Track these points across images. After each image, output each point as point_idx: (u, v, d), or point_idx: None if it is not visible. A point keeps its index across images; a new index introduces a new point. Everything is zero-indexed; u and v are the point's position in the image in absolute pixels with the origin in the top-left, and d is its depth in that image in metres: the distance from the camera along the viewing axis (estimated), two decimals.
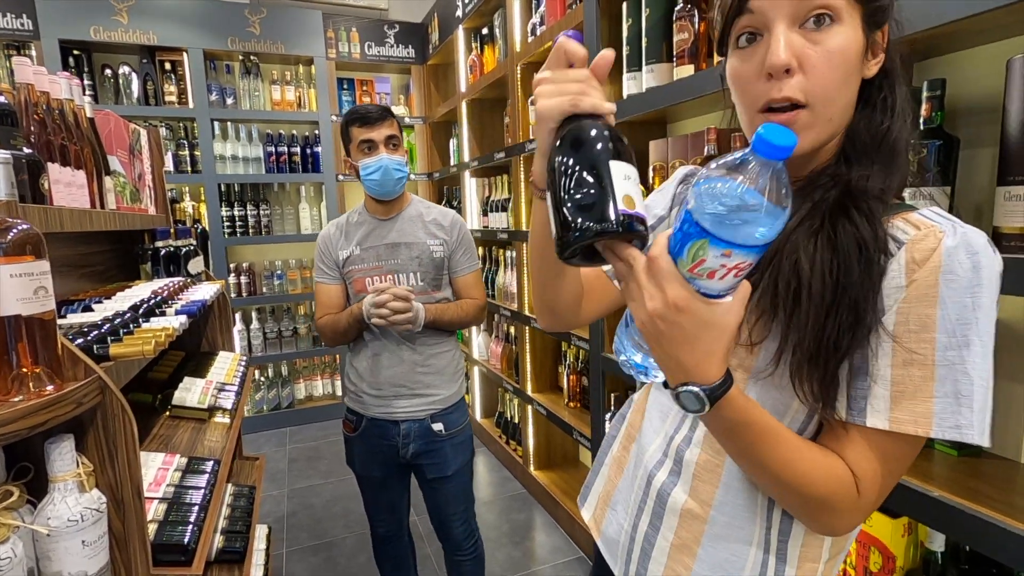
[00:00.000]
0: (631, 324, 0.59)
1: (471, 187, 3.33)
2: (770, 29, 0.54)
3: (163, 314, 1.21)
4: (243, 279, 3.65)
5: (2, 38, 3.08)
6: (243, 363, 1.92)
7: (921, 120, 0.92)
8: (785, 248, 0.57)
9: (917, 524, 1.06)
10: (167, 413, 1.55)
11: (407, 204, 1.62)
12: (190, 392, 1.58)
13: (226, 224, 3.55)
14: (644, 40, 1.56)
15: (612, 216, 0.47)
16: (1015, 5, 0.76)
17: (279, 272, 3.75)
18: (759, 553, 0.65)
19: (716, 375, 0.51)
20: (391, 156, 1.50)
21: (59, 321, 1.02)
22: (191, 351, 2.07)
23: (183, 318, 1.14)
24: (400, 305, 1.43)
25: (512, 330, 2.94)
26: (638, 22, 1.58)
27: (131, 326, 1.02)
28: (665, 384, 0.56)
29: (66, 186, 1.18)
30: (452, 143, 3.64)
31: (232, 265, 3.66)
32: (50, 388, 0.70)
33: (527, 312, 2.62)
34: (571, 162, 0.50)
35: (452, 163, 3.62)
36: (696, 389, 0.51)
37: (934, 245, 0.52)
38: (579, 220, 0.48)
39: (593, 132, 0.51)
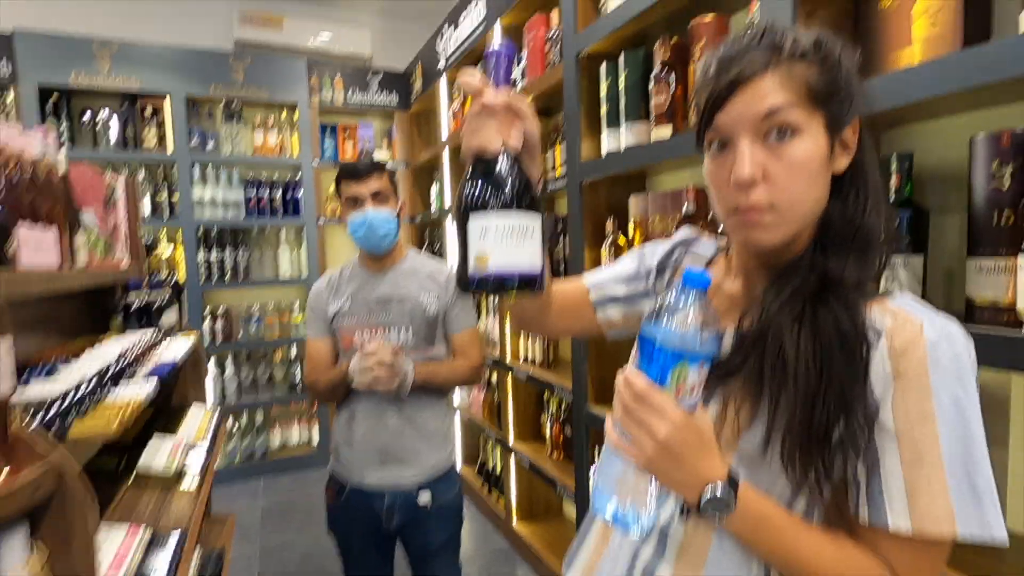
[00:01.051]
0: (617, 467, 0.59)
1: (452, 232, 3.34)
2: (735, 143, 0.57)
3: (131, 376, 1.17)
4: (219, 324, 3.57)
5: None
6: (215, 419, 1.86)
7: (892, 191, 0.95)
8: (769, 331, 0.58)
9: None
10: (129, 480, 1.48)
11: (401, 258, 1.58)
12: (157, 455, 1.51)
13: (203, 268, 3.49)
14: (622, 99, 1.61)
15: (464, 280, 0.52)
16: (971, 90, 0.80)
17: (257, 316, 3.68)
18: None
19: (724, 472, 0.55)
20: (376, 210, 1.46)
21: (20, 390, 0.97)
22: (161, 406, 2.00)
23: (151, 386, 1.10)
24: (383, 372, 1.36)
25: (494, 377, 2.90)
26: (616, 82, 1.63)
27: (97, 394, 0.98)
28: (682, 510, 0.60)
29: (35, 246, 1.15)
30: (434, 188, 3.67)
31: (208, 310, 3.58)
32: (5, 471, 0.65)
33: (508, 360, 2.60)
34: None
35: (434, 208, 3.64)
36: (719, 487, 0.54)
37: (913, 336, 0.53)
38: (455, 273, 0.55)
39: (467, 185, 0.53)
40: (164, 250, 3.38)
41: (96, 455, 1.54)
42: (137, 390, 1.04)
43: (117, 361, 1.21)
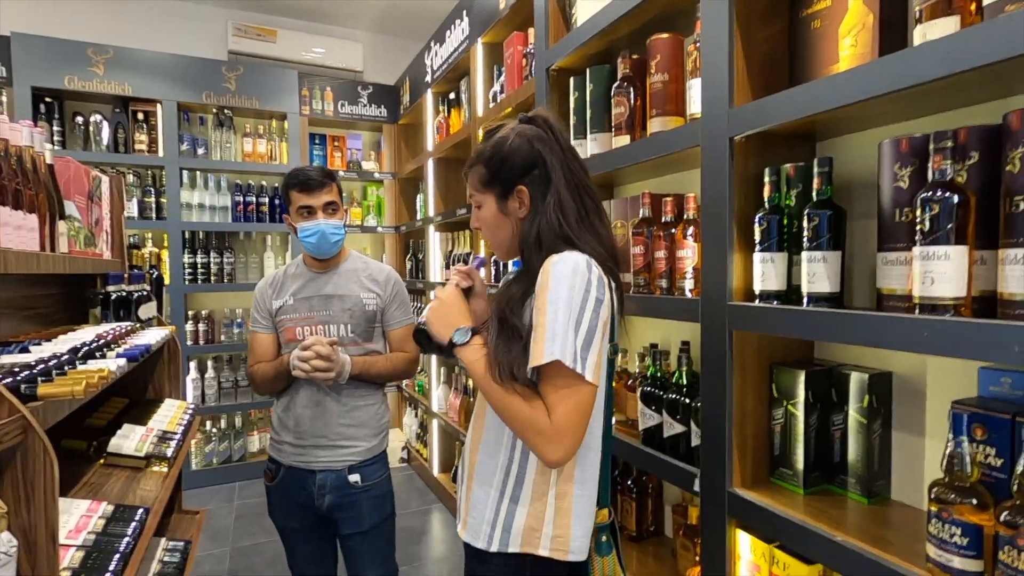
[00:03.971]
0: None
1: (435, 240, 3.41)
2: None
3: (103, 357, 1.21)
4: (201, 326, 3.60)
5: None
6: (189, 411, 1.89)
7: (814, 192, 1.03)
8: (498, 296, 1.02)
9: (831, 571, 1.10)
10: (101, 461, 1.51)
11: (344, 259, 1.69)
12: (127, 439, 1.55)
13: (187, 271, 3.54)
14: (588, 111, 1.70)
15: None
16: (880, 98, 0.88)
17: (239, 320, 3.71)
18: (496, 496, 0.98)
19: (468, 325, 1.00)
20: (328, 221, 1.57)
21: None
22: (136, 398, 2.03)
23: (122, 361, 1.15)
24: (321, 364, 1.46)
25: (471, 382, 2.95)
26: (583, 95, 1.72)
27: (66, 368, 1.03)
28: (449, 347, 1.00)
29: (15, 228, 1.20)
30: (419, 198, 3.75)
31: (191, 312, 3.61)
32: None
33: None
34: None
35: (418, 217, 3.72)
36: (464, 330, 0.98)
37: (547, 263, 0.92)
38: None
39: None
40: (147, 251, 3.43)
41: (68, 437, 1.57)
42: (107, 363, 1.08)
43: (91, 342, 1.26)
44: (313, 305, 1.61)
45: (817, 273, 1.01)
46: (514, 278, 1.01)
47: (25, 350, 1.18)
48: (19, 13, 3.40)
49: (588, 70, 1.69)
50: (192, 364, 3.62)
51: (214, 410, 3.61)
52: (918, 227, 0.82)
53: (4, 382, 0.84)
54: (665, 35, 1.43)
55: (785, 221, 1.11)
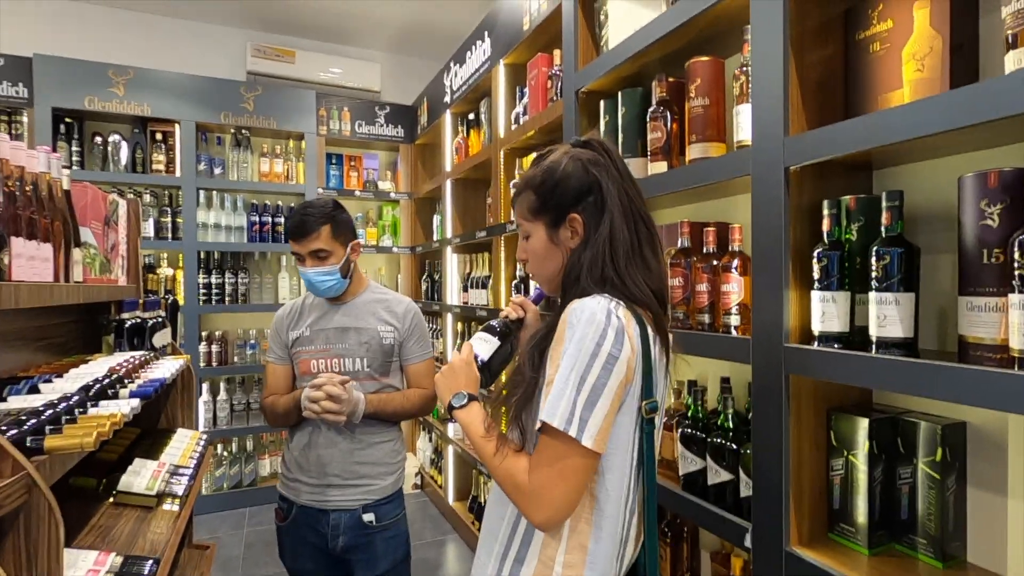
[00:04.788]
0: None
1: (452, 263, 3.35)
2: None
3: (115, 395, 1.15)
4: (215, 348, 3.55)
5: None
6: (202, 442, 1.82)
7: (883, 228, 0.95)
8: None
9: None
10: (110, 500, 1.44)
11: (362, 289, 1.64)
12: (139, 476, 1.48)
13: (202, 291, 3.50)
14: (620, 135, 1.63)
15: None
16: (959, 130, 0.81)
17: (252, 341, 3.66)
18: (500, 552, 0.91)
19: (468, 391, 0.96)
20: (315, 269, 1.51)
21: None
22: (147, 428, 1.96)
23: (135, 402, 1.08)
24: (331, 405, 1.41)
25: (488, 409, 2.86)
26: (614, 119, 1.66)
27: (76, 411, 0.96)
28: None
29: (28, 259, 1.15)
30: (436, 219, 3.70)
31: (204, 333, 3.57)
32: None
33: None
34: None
35: (435, 238, 3.67)
36: (462, 395, 0.95)
37: (565, 312, 0.84)
38: None
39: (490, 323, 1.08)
40: (164, 272, 3.40)
41: (77, 475, 1.51)
42: (120, 406, 1.02)
43: (103, 378, 1.20)
44: (329, 337, 1.56)
45: (888, 316, 0.93)
46: (546, 322, 0.93)
47: (35, 389, 1.12)
48: (42, 34, 3.43)
49: (620, 93, 1.63)
50: (205, 386, 3.56)
51: (226, 433, 3.54)
52: (1017, 272, 0.73)
53: (9, 435, 0.77)
54: (705, 58, 1.37)
55: (847, 257, 1.03)
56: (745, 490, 1.20)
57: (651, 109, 1.48)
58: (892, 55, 1.05)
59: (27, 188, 1.18)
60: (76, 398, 1.03)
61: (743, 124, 1.20)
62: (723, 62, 1.40)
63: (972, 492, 1.03)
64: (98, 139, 3.36)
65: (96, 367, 1.36)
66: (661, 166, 1.45)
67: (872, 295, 0.95)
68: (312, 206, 1.52)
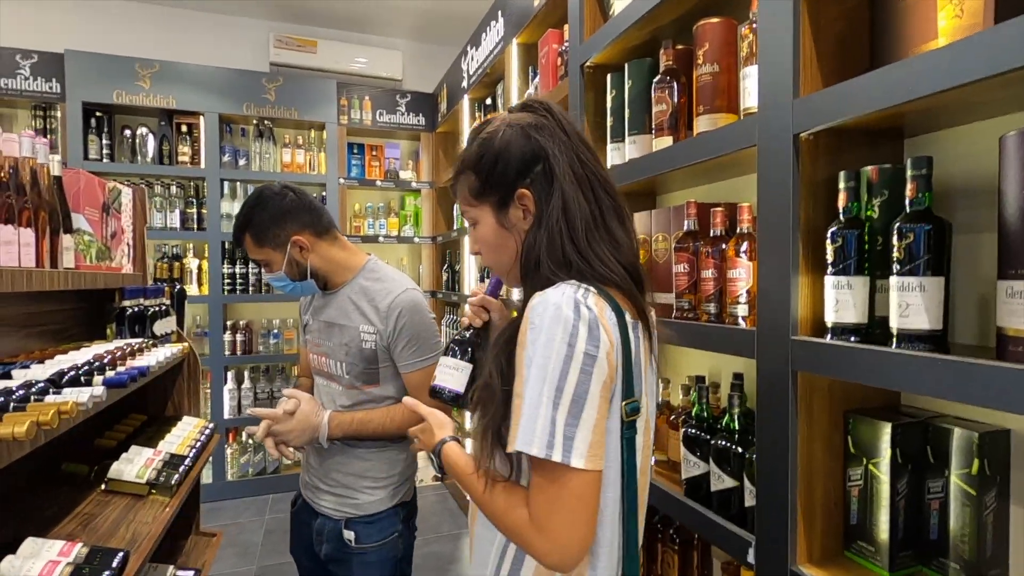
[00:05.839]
0: None
1: (470, 252, 3.28)
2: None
3: (88, 383, 1.12)
4: (239, 336, 3.60)
5: (31, 100, 3.24)
6: (207, 431, 1.81)
7: (907, 201, 0.81)
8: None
9: None
10: (101, 487, 1.44)
11: (354, 274, 1.39)
12: (131, 464, 1.47)
13: (226, 281, 3.55)
14: (627, 111, 1.51)
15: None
16: (995, 78, 0.67)
17: (276, 331, 3.69)
18: None
19: (444, 437, 0.87)
20: (267, 276, 1.40)
21: None
22: (155, 414, 1.97)
23: (100, 390, 1.05)
24: (268, 442, 1.29)
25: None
26: (621, 93, 1.54)
27: (33, 399, 0.93)
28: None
29: (4, 244, 1.14)
30: (456, 208, 3.63)
31: (229, 323, 3.62)
32: None
33: None
34: None
35: (455, 227, 3.60)
36: (442, 443, 0.86)
37: (527, 308, 0.72)
38: None
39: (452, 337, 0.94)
40: (191, 262, 3.46)
41: (69, 461, 1.51)
42: (78, 395, 0.99)
43: (78, 367, 1.17)
44: (321, 331, 1.42)
45: (911, 304, 0.79)
46: (511, 320, 0.81)
47: (7, 375, 1.10)
48: (72, 29, 3.52)
49: (627, 65, 1.50)
50: (230, 374, 3.62)
51: (249, 421, 3.59)
52: None
53: None
54: (715, 19, 1.23)
55: (866, 237, 0.89)
56: (750, 499, 1.08)
57: (655, 79, 1.36)
58: (924, 3, 0.90)
59: (3, 173, 1.17)
60: (40, 385, 1.00)
61: (750, 88, 1.07)
62: (736, 24, 1.26)
63: (1016, 511, 0.88)
64: (127, 132, 3.43)
65: (83, 354, 1.35)
66: (666, 141, 1.33)
67: (893, 280, 0.81)
68: (240, 209, 1.34)
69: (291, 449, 1.31)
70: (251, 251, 1.36)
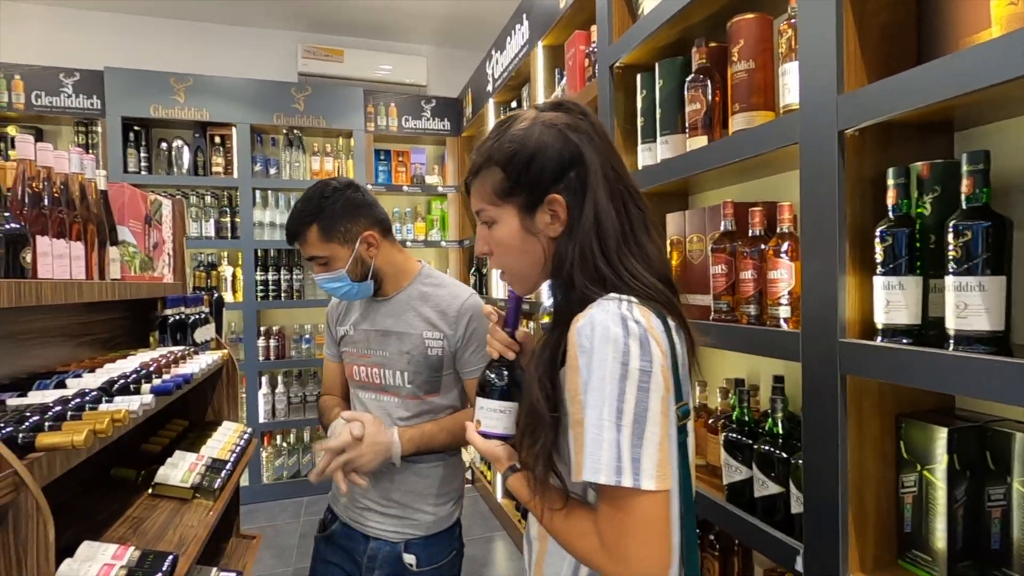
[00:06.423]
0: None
1: None
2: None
3: (137, 391, 1.16)
4: (272, 342, 3.67)
5: (74, 116, 3.37)
6: (245, 435, 1.85)
7: (963, 198, 0.78)
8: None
9: None
10: (148, 491, 1.48)
11: (409, 280, 1.34)
12: (176, 469, 1.51)
13: (259, 288, 3.63)
14: (658, 111, 1.49)
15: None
16: None
17: (307, 336, 3.76)
18: None
19: (509, 463, 0.81)
20: (321, 276, 1.29)
21: (11, 402, 0.98)
22: (196, 419, 2.03)
23: (149, 398, 1.08)
24: (333, 466, 1.17)
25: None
26: (652, 93, 1.52)
27: (88, 407, 0.97)
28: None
29: (57, 258, 1.18)
30: None
31: (263, 328, 3.70)
32: None
33: None
34: None
35: None
36: (509, 467, 0.80)
37: (572, 330, 0.69)
38: None
39: (484, 373, 0.85)
40: (225, 270, 3.54)
41: (121, 463, 1.56)
42: (128, 403, 1.02)
43: (132, 372, 1.21)
44: (370, 341, 1.32)
45: (970, 305, 0.76)
46: (547, 337, 0.77)
47: (62, 384, 1.14)
48: (111, 47, 3.65)
49: (657, 64, 1.49)
50: (264, 379, 3.70)
51: (283, 425, 3.66)
52: None
53: (4, 432, 0.77)
54: (750, 15, 1.21)
55: (918, 235, 0.86)
56: (796, 505, 1.05)
57: (689, 78, 1.34)
58: None
59: (55, 189, 1.21)
60: (93, 394, 1.04)
61: (790, 85, 1.04)
62: (771, 20, 1.23)
63: None
64: (163, 145, 3.54)
65: (130, 362, 1.40)
66: (700, 140, 1.31)
67: (949, 280, 0.78)
68: (302, 201, 1.26)
69: (360, 477, 1.20)
70: (312, 246, 1.26)
